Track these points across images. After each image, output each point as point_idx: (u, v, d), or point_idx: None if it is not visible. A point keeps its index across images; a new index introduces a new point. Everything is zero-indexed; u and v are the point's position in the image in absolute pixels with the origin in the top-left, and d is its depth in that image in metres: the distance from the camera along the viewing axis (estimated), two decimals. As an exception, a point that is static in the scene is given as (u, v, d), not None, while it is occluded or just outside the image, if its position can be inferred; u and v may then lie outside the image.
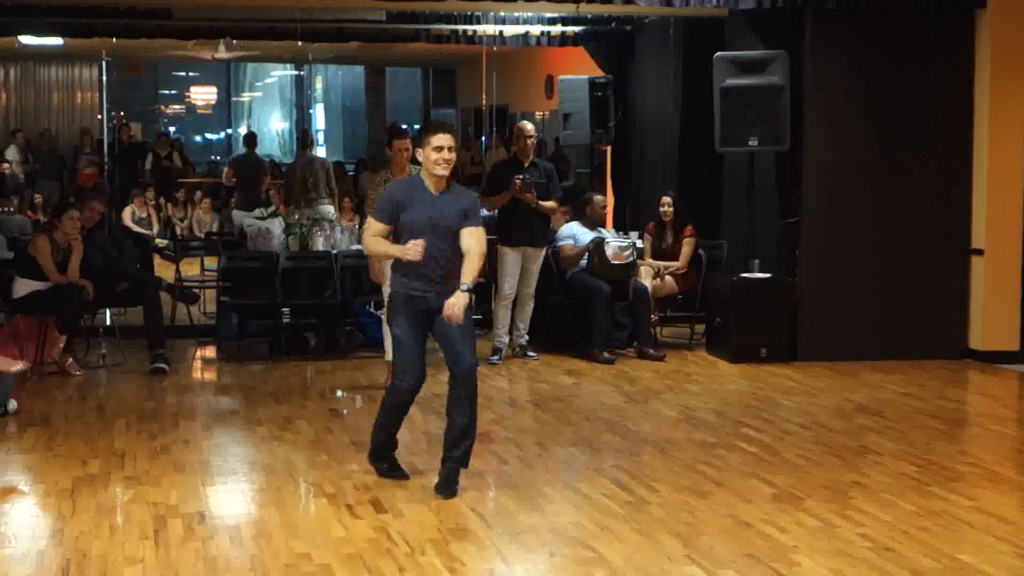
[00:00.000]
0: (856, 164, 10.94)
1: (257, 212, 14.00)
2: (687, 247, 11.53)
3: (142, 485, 6.98)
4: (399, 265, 6.87)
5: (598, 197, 11.72)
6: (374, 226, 6.95)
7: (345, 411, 9.18)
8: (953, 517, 6.44)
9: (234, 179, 16.87)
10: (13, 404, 8.76)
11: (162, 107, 29.52)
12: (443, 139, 6.75)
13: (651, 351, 11.08)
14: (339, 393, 9.85)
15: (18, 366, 8.47)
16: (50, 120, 24.50)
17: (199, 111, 29.53)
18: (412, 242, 6.70)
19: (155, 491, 6.85)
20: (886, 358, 10.82)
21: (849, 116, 10.93)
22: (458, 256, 6.78)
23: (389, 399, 7.00)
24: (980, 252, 10.96)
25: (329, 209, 14.50)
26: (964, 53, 10.95)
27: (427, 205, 6.79)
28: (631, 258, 11.12)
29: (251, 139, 17.71)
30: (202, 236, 16.97)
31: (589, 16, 13.57)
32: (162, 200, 19.43)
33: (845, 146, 10.93)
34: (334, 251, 11.45)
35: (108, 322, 11.77)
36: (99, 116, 23.55)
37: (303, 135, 17.27)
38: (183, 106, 29.75)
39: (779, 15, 11.07)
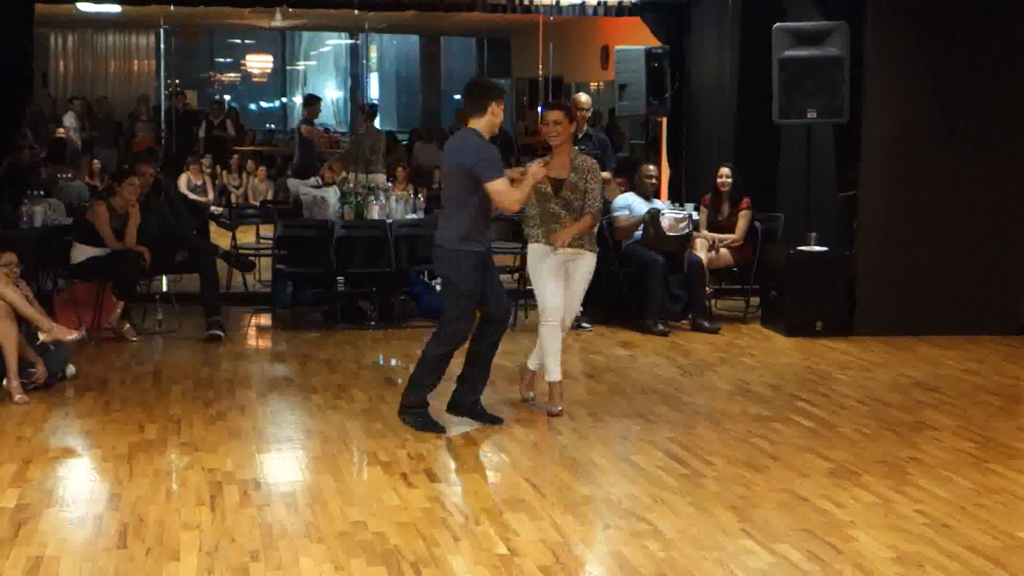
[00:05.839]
0: (915, 137, 10.81)
1: (312, 181, 14.04)
2: (743, 219, 11.46)
3: (198, 451, 7.02)
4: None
5: (644, 167, 11.67)
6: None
7: (400, 380, 9.19)
8: (1011, 494, 6.37)
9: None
10: (71, 369, 8.85)
11: (217, 75, 29.63)
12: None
13: (705, 324, 11.03)
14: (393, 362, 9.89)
15: (73, 335, 8.53)
16: (107, 87, 24.68)
17: (254, 79, 29.62)
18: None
19: (211, 457, 6.89)
20: (943, 333, 10.71)
21: (909, 88, 10.79)
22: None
23: (441, 347, 7.56)
24: (1040, 227, 10.85)
25: (382, 177, 14.70)
26: (1027, 25, 10.81)
27: None
28: (687, 230, 11.05)
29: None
30: (257, 204, 17.06)
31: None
32: (217, 168, 19.55)
33: (905, 119, 10.80)
34: (389, 220, 11.47)
35: (164, 289, 11.85)
36: (155, 84, 23.70)
37: (370, 107, 17.31)
38: (238, 74, 29.85)
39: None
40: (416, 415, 7.56)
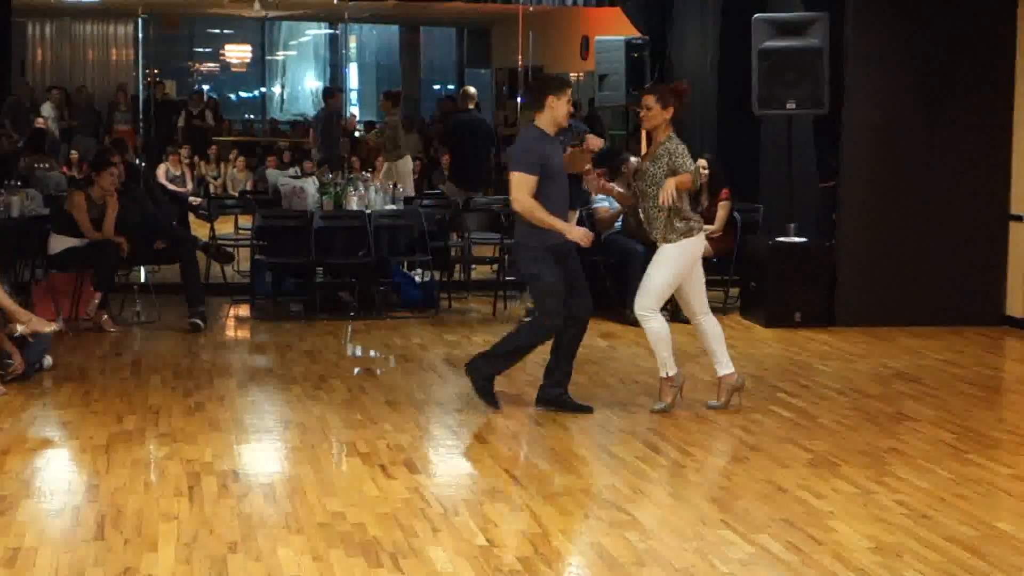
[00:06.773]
0: (896, 128, 10.82)
1: (291, 171, 14.01)
2: (722, 210, 11.45)
3: (177, 442, 6.99)
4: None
5: (633, 160, 11.64)
6: (528, 181, 7.41)
7: (379, 370, 9.16)
8: (991, 485, 6.39)
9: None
10: (49, 360, 8.79)
11: (197, 64, 29.50)
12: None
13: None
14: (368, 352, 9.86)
15: (51, 327, 8.48)
16: (86, 77, 24.55)
17: (234, 69, 29.49)
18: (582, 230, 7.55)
19: (190, 448, 6.86)
20: (923, 324, 10.72)
21: (889, 79, 10.80)
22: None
23: (530, 337, 7.69)
24: (1019, 218, 10.83)
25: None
26: (1007, 16, 10.79)
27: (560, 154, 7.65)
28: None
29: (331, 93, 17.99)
30: (236, 194, 17.02)
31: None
32: (196, 158, 19.49)
33: (885, 110, 10.81)
34: (368, 211, 11.43)
35: (143, 279, 11.80)
36: (135, 73, 23.61)
37: (395, 94, 17.37)
38: (218, 64, 29.73)
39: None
40: (482, 380, 7.70)
